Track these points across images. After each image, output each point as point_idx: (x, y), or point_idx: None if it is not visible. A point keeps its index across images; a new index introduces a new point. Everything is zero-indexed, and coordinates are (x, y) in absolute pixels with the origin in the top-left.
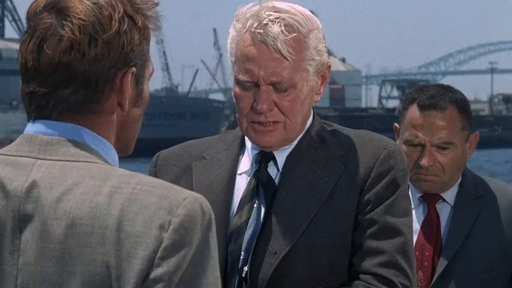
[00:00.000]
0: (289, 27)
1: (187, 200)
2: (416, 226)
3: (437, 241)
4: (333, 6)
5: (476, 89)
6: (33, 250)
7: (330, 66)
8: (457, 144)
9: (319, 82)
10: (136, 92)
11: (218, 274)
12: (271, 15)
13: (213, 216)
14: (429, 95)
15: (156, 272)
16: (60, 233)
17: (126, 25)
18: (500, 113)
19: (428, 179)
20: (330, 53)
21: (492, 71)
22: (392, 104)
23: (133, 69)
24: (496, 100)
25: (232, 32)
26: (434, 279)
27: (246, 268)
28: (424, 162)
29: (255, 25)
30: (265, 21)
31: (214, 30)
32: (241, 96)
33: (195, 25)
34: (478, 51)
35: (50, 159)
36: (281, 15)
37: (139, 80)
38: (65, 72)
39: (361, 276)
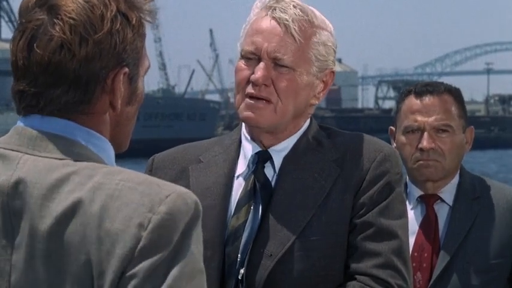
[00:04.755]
0: (304, 13)
1: (170, 198)
2: (415, 227)
3: (435, 242)
4: (329, 6)
5: (472, 90)
6: (24, 248)
7: (333, 73)
8: (454, 129)
9: (321, 86)
10: (129, 90)
11: (199, 266)
12: (292, 0)
13: (199, 213)
14: (424, 84)
15: (133, 270)
16: (45, 232)
17: (118, 24)
18: (497, 113)
19: (430, 164)
20: None
21: (488, 71)
22: (389, 104)
23: (126, 69)
24: (492, 101)
25: (249, 17)
26: (432, 280)
27: (242, 271)
28: (424, 144)
29: (272, 1)
30: (283, 1)
31: (211, 30)
32: (241, 68)
33: (191, 25)
34: (474, 52)
35: (38, 156)
36: (300, 3)
37: (132, 78)
38: (55, 73)
39: (357, 277)
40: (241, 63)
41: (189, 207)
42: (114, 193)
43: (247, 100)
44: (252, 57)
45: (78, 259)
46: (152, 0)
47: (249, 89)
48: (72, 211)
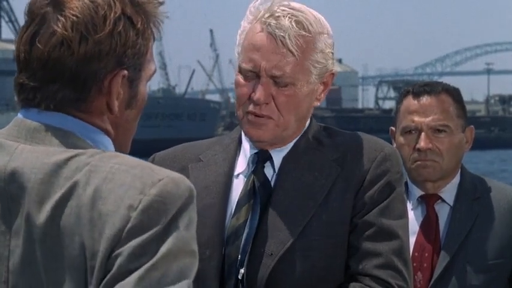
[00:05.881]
0: (299, 24)
1: (162, 181)
2: (415, 227)
3: (436, 242)
4: (329, 6)
5: (472, 90)
6: (22, 233)
7: (333, 74)
8: (452, 129)
9: (321, 88)
10: (129, 94)
11: (188, 248)
12: (284, 10)
13: (192, 198)
14: (422, 84)
15: (119, 250)
16: (42, 216)
17: (121, 26)
18: (497, 113)
19: (428, 164)
20: None
21: (488, 72)
22: (389, 105)
23: (125, 72)
24: (492, 101)
25: (243, 23)
26: (433, 280)
27: (242, 270)
28: (422, 144)
29: (266, 15)
30: (277, 14)
31: (211, 31)
32: (241, 85)
33: (192, 26)
34: (474, 52)
35: (35, 146)
36: (294, 12)
37: (133, 82)
38: (53, 68)
39: (358, 278)
40: (240, 79)
41: (181, 191)
42: (108, 175)
43: (249, 117)
44: (250, 74)
45: (73, 242)
46: (162, 4)
47: (251, 108)
48: (68, 195)
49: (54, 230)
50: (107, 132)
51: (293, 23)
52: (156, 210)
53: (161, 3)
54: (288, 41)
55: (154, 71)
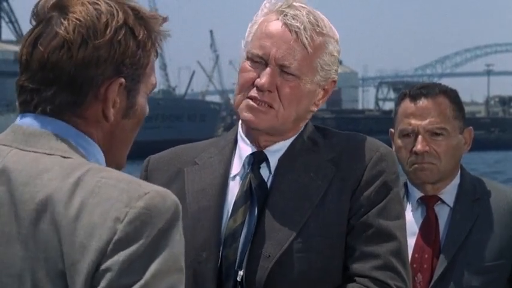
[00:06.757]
0: (315, 22)
1: (148, 195)
2: (415, 228)
3: (436, 243)
4: (329, 7)
5: (472, 91)
6: (5, 233)
7: (335, 82)
8: (450, 132)
9: (321, 94)
10: (126, 103)
11: (178, 265)
12: (303, 6)
13: (178, 214)
14: (419, 86)
15: (107, 263)
16: (25, 218)
17: (121, 35)
18: (497, 115)
19: (425, 166)
20: None
21: (488, 73)
22: (389, 106)
23: (121, 80)
24: (492, 102)
25: (255, 18)
26: (433, 281)
27: (241, 272)
28: (419, 147)
29: (284, 6)
30: (295, 6)
31: (211, 32)
32: (247, 70)
33: (192, 26)
34: (474, 53)
35: (28, 151)
36: (311, 10)
37: (131, 92)
38: (51, 71)
39: (357, 279)
40: (247, 65)
41: (167, 206)
42: (94, 189)
43: (249, 101)
44: (258, 61)
45: (54, 247)
46: (166, 22)
47: (253, 93)
48: (51, 200)
49: (36, 233)
50: (98, 141)
51: (311, 18)
52: (142, 222)
53: (165, 20)
54: (302, 32)
55: (154, 85)
